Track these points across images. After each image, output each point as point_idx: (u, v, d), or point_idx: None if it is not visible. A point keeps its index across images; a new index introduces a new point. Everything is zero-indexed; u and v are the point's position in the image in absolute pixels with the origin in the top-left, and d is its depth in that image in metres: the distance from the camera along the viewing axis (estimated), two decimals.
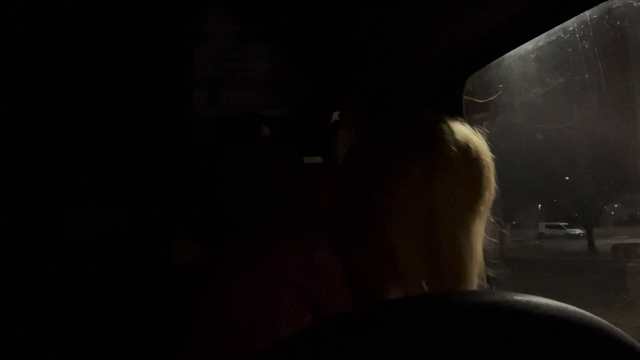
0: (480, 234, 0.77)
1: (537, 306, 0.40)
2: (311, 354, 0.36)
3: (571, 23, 1.02)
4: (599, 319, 0.42)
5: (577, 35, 1.06)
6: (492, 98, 1.22)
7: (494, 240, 0.82)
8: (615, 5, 1.05)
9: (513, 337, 0.39)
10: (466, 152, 0.74)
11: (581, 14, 0.94)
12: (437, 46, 1.11)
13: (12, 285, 1.23)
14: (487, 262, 1.19)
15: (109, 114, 1.33)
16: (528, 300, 0.41)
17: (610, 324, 0.42)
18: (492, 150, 0.77)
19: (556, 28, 1.00)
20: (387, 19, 1.07)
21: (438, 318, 0.39)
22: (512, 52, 1.12)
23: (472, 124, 1.23)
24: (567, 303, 0.41)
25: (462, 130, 0.77)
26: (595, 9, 0.95)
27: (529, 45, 1.09)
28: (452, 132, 0.75)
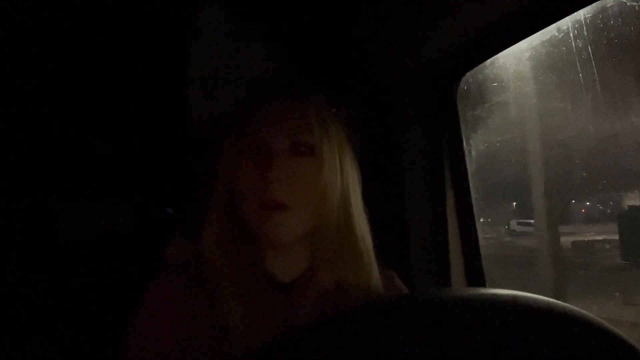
0: None
1: (535, 301, 0.41)
2: (309, 352, 0.37)
3: None
4: (587, 313, 0.42)
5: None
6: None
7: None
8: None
9: (510, 331, 0.40)
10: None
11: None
12: (431, 45, 1.11)
13: (11, 285, 1.23)
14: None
15: (104, 113, 1.33)
16: (524, 296, 0.42)
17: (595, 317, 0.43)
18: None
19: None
20: (382, 17, 1.08)
21: (437, 313, 0.39)
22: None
23: (465, 123, 1.24)
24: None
25: None
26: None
27: (522, 44, 1.10)
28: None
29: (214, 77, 0.81)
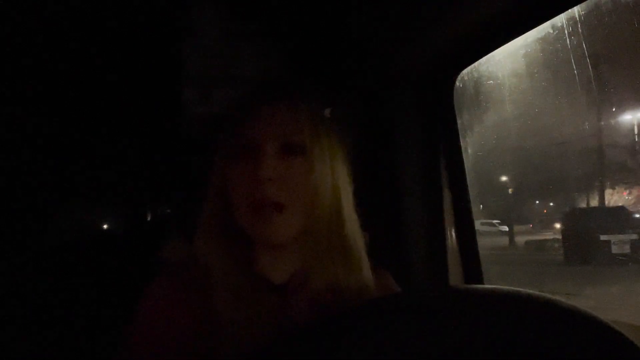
0: None
1: (536, 298, 0.41)
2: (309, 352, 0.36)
3: None
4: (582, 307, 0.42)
5: None
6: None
7: None
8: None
9: (509, 328, 0.39)
10: None
11: None
12: (427, 43, 1.11)
13: (9, 286, 1.22)
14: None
15: (100, 112, 1.32)
16: (524, 293, 0.42)
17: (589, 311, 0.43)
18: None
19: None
20: (378, 15, 1.07)
21: (442, 308, 0.39)
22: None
23: (462, 121, 1.24)
24: None
25: None
26: None
27: (518, 42, 1.10)
28: None
29: (211, 77, 0.81)
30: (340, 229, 0.78)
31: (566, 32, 1.03)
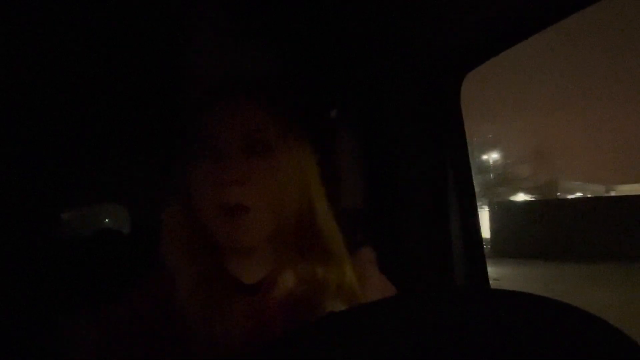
0: None
1: (539, 301, 0.40)
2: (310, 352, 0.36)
3: None
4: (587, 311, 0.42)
5: None
6: None
7: None
8: None
9: (511, 331, 0.39)
10: None
11: None
12: (435, 43, 1.11)
13: (10, 285, 1.22)
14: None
15: (100, 110, 1.32)
16: (527, 295, 0.41)
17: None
18: None
19: None
20: (384, 14, 1.07)
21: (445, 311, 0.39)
22: None
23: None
24: None
25: None
26: None
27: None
28: None
29: (211, 77, 0.80)
30: (315, 228, 0.76)
31: None
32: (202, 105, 0.76)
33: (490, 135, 21.53)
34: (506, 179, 20.87)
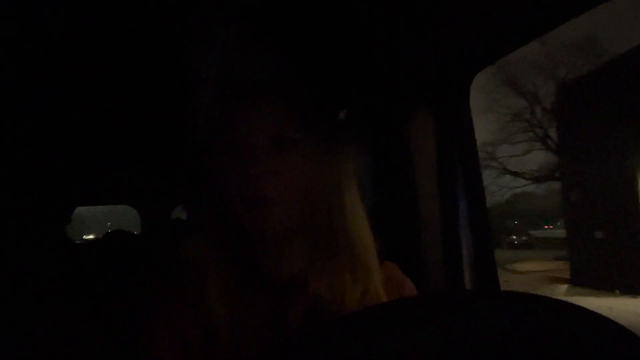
0: None
1: (549, 302, 0.40)
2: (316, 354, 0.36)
3: None
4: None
5: None
6: None
7: None
8: None
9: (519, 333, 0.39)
10: None
11: None
12: (444, 43, 1.10)
13: (16, 284, 1.23)
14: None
15: (110, 112, 1.33)
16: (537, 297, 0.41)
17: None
18: None
19: None
20: (393, 16, 1.07)
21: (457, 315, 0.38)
22: None
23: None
24: None
25: None
26: None
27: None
28: None
29: (220, 79, 0.80)
30: (344, 227, 0.77)
31: None
32: (234, 101, 0.77)
33: None
34: None
